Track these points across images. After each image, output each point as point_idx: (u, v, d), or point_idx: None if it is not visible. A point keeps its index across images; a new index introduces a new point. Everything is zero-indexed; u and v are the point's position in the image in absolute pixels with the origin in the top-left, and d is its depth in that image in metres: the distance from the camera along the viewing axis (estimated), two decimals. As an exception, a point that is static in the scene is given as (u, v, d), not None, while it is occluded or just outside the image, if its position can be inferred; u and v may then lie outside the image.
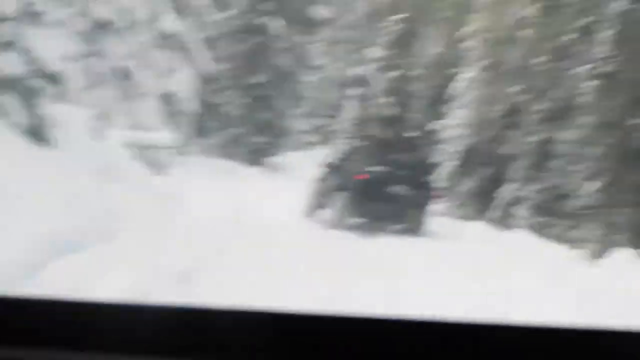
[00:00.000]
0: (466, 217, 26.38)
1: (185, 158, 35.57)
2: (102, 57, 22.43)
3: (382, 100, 50.44)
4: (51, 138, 12.99)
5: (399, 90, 51.40)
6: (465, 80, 28.34)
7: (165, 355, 1.59)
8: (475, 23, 29.50)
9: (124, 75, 23.86)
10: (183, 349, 1.59)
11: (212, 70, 40.09)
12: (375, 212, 17.50)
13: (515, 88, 25.33)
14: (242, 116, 39.52)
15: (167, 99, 32.50)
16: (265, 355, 1.59)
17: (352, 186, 17.52)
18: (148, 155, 18.96)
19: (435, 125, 34.05)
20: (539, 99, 24.69)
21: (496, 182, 25.84)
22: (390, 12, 52.86)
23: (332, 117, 51.25)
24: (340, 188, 17.89)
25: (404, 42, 51.51)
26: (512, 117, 25.11)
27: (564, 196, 22.46)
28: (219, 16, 38.32)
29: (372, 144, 20.36)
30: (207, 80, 40.53)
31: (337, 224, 17.38)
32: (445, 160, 29.24)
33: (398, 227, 17.75)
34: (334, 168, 19.66)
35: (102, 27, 22.24)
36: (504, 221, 23.89)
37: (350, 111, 47.91)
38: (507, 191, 24.83)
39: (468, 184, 27.42)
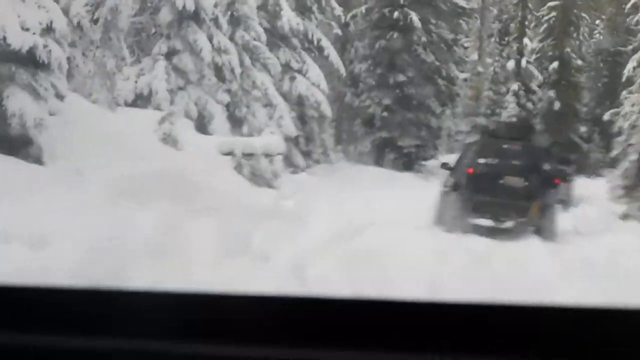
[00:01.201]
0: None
1: (328, 165, 32.39)
2: (193, 53, 19.08)
3: (543, 93, 45.76)
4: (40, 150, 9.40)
5: (559, 82, 46.59)
6: (636, 61, 23.43)
7: (178, 339, 1.58)
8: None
9: (228, 73, 20.46)
10: (194, 334, 1.59)
11: (350, 70, 36.65)
12: (491, 209, 15.60)
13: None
14: (389, 118, 35.61)
15: (300, 101, 29.31)
16: (275, 338, 1.58)
17: (465, 182, 15.60)
18: (252, 166, 15.48)
19: (608, 115, 28.85)
20: None
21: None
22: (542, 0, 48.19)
23: (492, 115, 46.78)
24: (455, 187, 15.84)
25: (560, 31, 46.67)
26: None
27: None
28: (353, 11, 34.75)
29: (485, 136, 17.89)
30: (346, 82, 37.13)
31: (458, 227, 14.83)
32: (623, 154, 24.48)
33: (521, 224, 15.73)
34: (449, 168, 17.39)
35: (191, 17, 18.94)
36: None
37: (511, 108, 43.31)
38: None
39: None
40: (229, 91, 21.32)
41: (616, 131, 28.88)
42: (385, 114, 35.32)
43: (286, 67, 28.15)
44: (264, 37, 22.47)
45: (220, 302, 1.66)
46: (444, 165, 18.08)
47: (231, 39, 21.06)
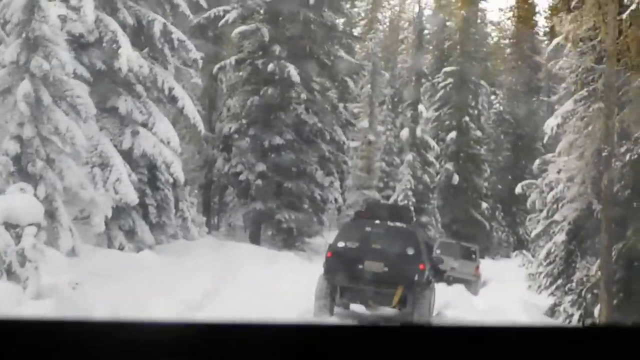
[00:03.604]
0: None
1: (186, 242, 26.03)
2: None
3: (441, 166, 40.69)
4: None
5: (458, 154, 41.73)
6: (561, 117, 18.03)
7: None
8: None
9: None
10: None
11: (220, 130, 30.63)
12: (354, 295, 14.98)
13: None
14: (264, 187, 29.51)
15: (150, 163, 23.02)
16: None
17: (325, 267, 14.96)
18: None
19: (520, 188, 23.44)
20: None
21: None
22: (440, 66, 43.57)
23: (385, 188, 41.12)
24: (324, 271, 15.06)
25: (458, 99, 41.99)
26: None
27: None
28: (221, 62, 28.87)
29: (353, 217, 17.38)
30: (217, 144, 31.10)
31: (323, 312, 14.61)
32: (545, 233, 19.12)
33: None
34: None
35: None
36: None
37: (405, 180, 37.89)
38: None
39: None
40: (18, 138, 14.95)
41: (529, 207, 23.50)
42: (259, 181, 29.24)
43: (128, 118, 21.95)
44: (70, 67, 15.98)
45: (221, 331, 1.63)
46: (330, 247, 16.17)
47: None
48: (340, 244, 15.00)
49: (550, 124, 18.15)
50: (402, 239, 15.21)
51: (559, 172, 17.83)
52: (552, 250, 18.46)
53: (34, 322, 1.60)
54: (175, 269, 19.70)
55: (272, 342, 1.55)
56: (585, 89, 17.91)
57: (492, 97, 48.77)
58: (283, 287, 18.39)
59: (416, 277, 14.58)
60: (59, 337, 1.56)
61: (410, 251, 14.92)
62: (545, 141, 18.63)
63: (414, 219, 20.48)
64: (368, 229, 15.25)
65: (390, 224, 15.39)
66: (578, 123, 17.11)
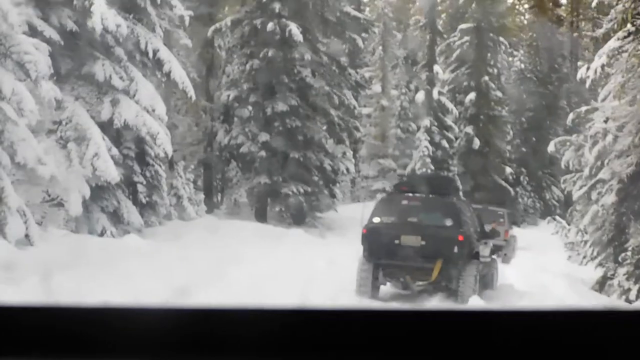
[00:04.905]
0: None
1: (182, 222, 23.36)
2: None
3: (460, 130, 37.67)
4: None
5: (478, 117, 38.65)
6: (607, 55, 15.03)
7: (171, 356, 1.56)
8: None
9: None
10: (187, 350, 1.54)
11: (218, 98, 27.79)
12: (392, 272, 14.13)
13: None
14: (268, 159, 26.66)
15: (137, 136, 20.27)
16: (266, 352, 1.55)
17: (362, 244, 14.15)
18: None
19: (553, 145, 20.45)
20: None
21: None
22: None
23: (401, 157, 38.09)
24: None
25: (476, 58, 38.86)
26: None
27: None
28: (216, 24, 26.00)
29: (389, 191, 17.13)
30: (216, 115, 28.27)
31: (365, 293, 13.90)
32: (586, 197, 16.25)
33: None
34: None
35: None
36: None
37: (423, 147, 35.02)
38: None
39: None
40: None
41: (564, 167, 20.59)
42: (263, 153, 26.41)
43: (106, 85, 19.21)
44: (14, 17, 13.15)
45: (216, 316, 1.59)
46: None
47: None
48: (376, 220, 14.47)
49: (593, 66, 15.18)
50: (440, 210, 14.54)
51: (606, 120, 14.87)
52: (599, 214, 15.54)
53: (25, 309, 1.55)
54: (163, 254, 17.02)
55: (266, 326, 1.50)
56: (631, 23, 14.91)
57: (511, 58, 45.71)
58: (291, 269, 15.79)
59: (455, 250, 13.84)
60: (50, 323, 1.50)
61: (449, 222, 14.19)
62: (587, 85, 15.65)
63: (458, 188, 19.35)
64: (404, 202, 14.70)
65: (428, 196, 14.79)
66: (630, 60, 14.12)
